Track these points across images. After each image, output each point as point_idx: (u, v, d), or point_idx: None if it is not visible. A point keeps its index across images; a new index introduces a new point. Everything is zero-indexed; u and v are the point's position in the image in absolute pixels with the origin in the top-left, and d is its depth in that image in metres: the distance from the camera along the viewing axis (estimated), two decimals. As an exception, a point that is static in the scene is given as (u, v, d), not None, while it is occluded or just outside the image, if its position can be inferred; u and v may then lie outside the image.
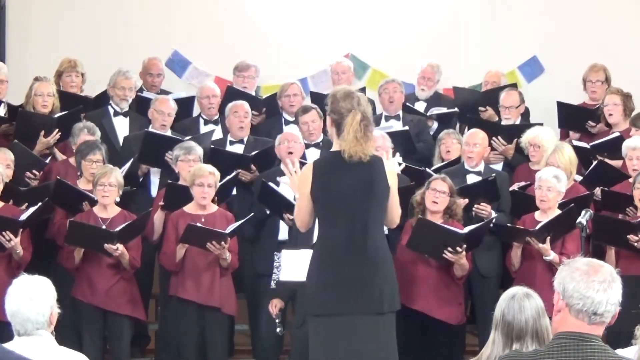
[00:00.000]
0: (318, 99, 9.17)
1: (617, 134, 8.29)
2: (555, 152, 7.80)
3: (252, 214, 7.64)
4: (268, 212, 7.88)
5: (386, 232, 7.74)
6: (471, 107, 9.18)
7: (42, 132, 8.15)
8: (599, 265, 3.38)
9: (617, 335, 5.24)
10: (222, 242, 7.24)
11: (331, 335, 5.55)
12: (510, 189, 7.96)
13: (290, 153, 7.86)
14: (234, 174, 7.96)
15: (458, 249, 7.16)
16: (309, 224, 5.73)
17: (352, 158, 5.51)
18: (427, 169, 8.05)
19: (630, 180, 7.55)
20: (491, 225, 7.51)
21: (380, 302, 5.56)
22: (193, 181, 7.43)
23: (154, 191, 8.23)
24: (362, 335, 5.54)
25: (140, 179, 8.26)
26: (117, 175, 7.42)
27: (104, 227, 7.30)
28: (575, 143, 8.53)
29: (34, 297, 4.09)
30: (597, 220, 6.88)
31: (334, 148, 5.66)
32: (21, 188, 7.59)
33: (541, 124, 8.52)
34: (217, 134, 8.75)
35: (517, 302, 4.29)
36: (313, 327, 5.66)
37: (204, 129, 8.83)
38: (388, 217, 5.75)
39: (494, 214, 7.69)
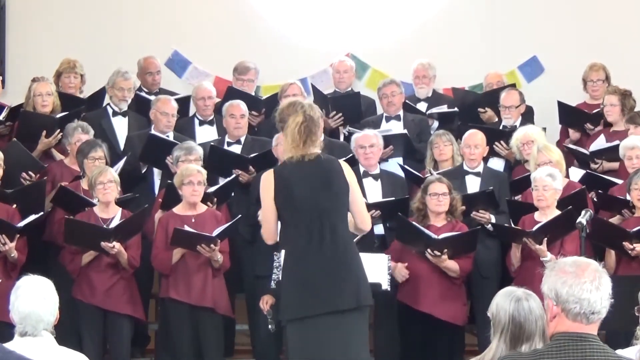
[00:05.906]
0: (320, 95, 9.17)
1: (616, 143, 8.22)
2: (542, 150, 7.67)
3: (240, 215, 7.59)
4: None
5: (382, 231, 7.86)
6: (470, 108, 9.17)
7: (44, 133, 8.16)
8: (585, 264, 3.35)
9: (616, 336, 5.26)
10: (212, 245, 7.24)
11: (306, 338, 5.57)
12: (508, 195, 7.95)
13: None
14: (233, 176, 7.94)
15: (437, 252, 7.16)
16: (276, 236, 5.75)
17: (303, 160, 5.57)
18: (424, 176, 7.99)
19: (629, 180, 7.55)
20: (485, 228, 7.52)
21: (349, 298, 5.55)
22: (181, 181, 7.38)
23: (157, 191, 8.22)
24: (336, 334, 5.55)
25: (144, 170, 8.25)
26: (111, 171, 7.43)
27: (103, 226, 7.29)
28: (573, 147, 8.53)
29: (46, 297, 4.11)
30: (595, 222, 6.88)
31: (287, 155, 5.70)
32: (7, 190, 7.52)
33: (544, 129, 8.51)
34: (213, 134, 8.73)
35: (525, 303, 4.24)
36: (289, 333, 5.68)
37: (199, 129, 8.81)
38: (356, 219, 5.70)
39: (492, 220, 7.70)
